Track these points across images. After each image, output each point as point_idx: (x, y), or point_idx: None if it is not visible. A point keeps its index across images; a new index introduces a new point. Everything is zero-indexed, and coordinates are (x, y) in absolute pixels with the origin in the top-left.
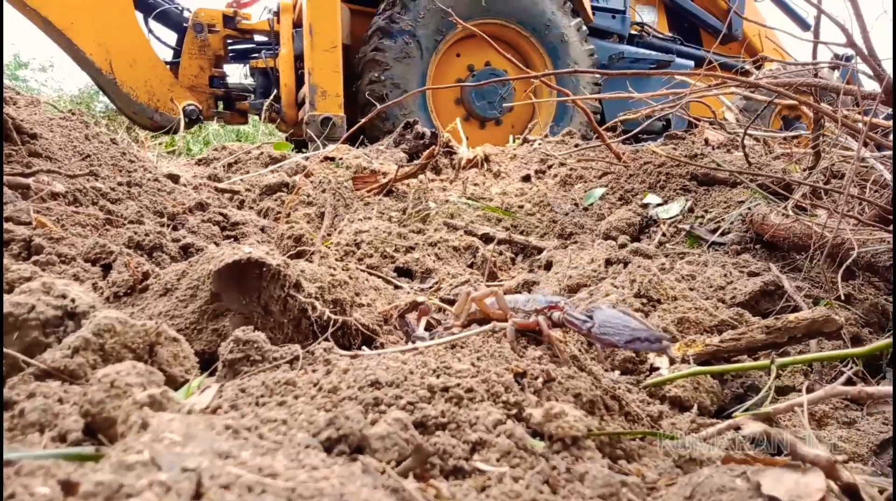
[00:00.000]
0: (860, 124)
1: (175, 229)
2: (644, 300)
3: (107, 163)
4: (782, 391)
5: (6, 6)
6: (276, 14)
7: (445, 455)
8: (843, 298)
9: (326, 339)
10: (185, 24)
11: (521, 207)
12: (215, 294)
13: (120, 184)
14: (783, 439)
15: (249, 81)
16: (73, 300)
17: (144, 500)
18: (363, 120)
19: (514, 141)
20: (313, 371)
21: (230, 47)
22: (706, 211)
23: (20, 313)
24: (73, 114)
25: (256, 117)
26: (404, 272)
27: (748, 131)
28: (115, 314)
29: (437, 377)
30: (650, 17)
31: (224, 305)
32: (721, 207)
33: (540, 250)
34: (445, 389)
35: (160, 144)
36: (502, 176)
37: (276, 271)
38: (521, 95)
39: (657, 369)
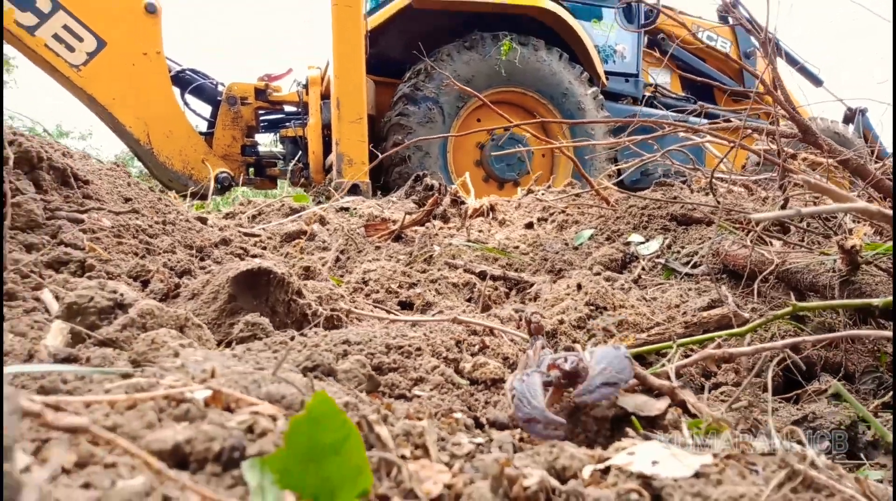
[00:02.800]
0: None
1: (202, 259)
2: (592, 308)
3: (146, 205)
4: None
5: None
6: (305, 87)
7: (393, 386)
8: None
9: (318, 324)
10: (218, 98)
11: (517, 247)
12: (232, 295)
13: (156, 222)
14: (641, 373)
15: (279, 148)
16: (122, 295)
17: (175, 378)
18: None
19: (521, 191)
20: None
21: (261, 118)
22: (682, 247)
23: (82, 302)
24: (118, 166)
25: (284, 182)
26: (406, 306)
27: (730, 177)
28: (154, 302)
29: (394, 339)
30: (663, 78)
31: (239, 305)
32: (696, 243)
33: (531, 285)
34: (399, 347)
35: (191, 205)
36: (506, 224)
37: (282, 278)
38: (538, 158)
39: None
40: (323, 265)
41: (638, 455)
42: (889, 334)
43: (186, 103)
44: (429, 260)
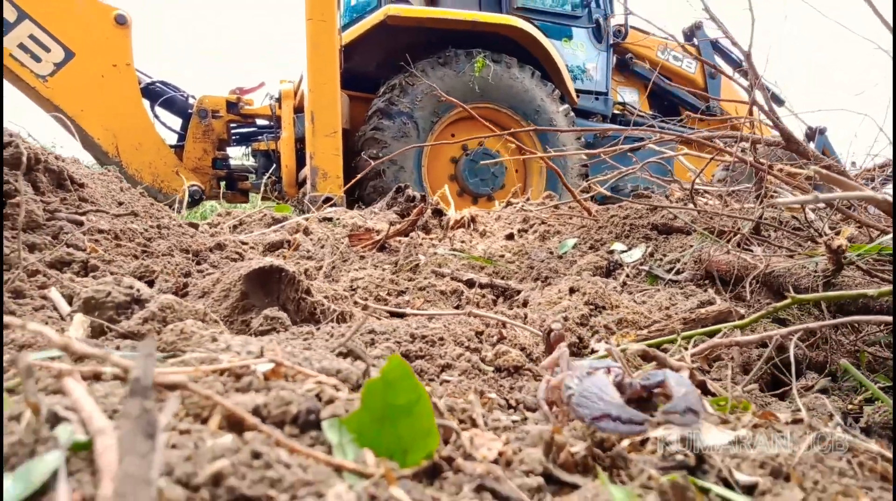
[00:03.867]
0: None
1: (198, 262)
2: (591, 307)
3: (140, 209)
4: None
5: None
6: (278, 100)
7: (422, 372)
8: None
9: (331, 320)
10: (189, 110)
11: (503, 256)
12: (244, 293)
13: (151, 226)
14: (657, 355)
15: (251, 162)
16: (138, 290)
17: (229, 359)
18: (360, 174)
19: (498, 204)
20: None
21: (233, 131)
22: (664, 255)
23: (100, 296)
24: (109, 171)
25: (256, 196)
26: (396, 314)
27: (703, 188)
28: (173, 297)
29: (417, 330)
30: (632, 97)
31: (251, 302)
32: (678, 251)
33: (518, 292)
34: (423, 336)
35: None
36: (487, 235)
37: (292, 276)
38: (512, 173)
39: (596, 351)
40: (318, 270)
41: (675, 428)
42: (888, 318)
43: (156, 116)
44: (415, 269)
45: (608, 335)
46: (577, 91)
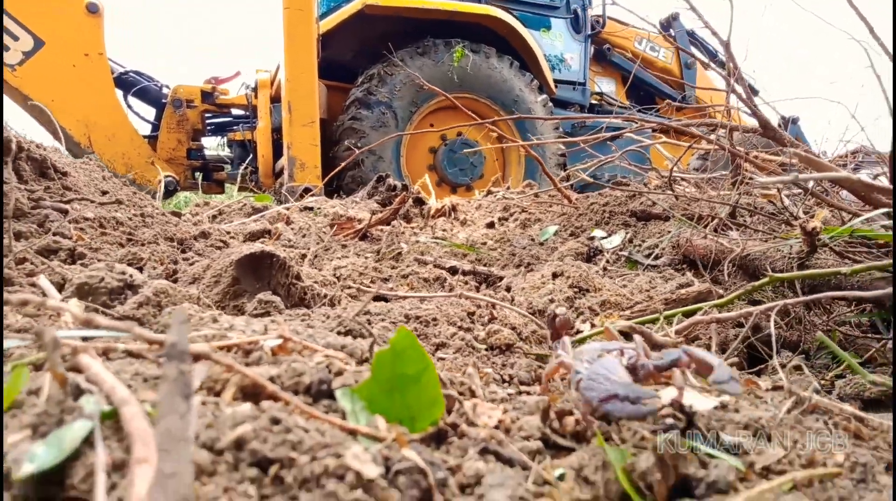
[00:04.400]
0: (757, 159)
1: (183, 250)
2: (575, 290)
3: (123, 198)
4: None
5: None
6: (254, 90)
7: (423, 336)
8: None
9: (323, 305)
10: (163, 100)
11: (484, 243)
12: (236, 278)
13: (136, 215)
14: (642, 330)
15: (227, 152)
16: (131, 276)
17: (237, 336)
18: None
19: (478, 194)
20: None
21: (208, 121)
22: (643, 240)
23: (93, 282)
24: (90, 159)
25: (232, 187)
26: (380, 300)
27: (680, 175)
28: (167, 282)
29: (411, 311)
30: (609, 87)
31: (242, 287)
32: (656, 236)
33: (501, 278)
34: (417, 317)
35: None
36: (468, 224)
37: (283, 261)
38: (490, 162)
39: (580, 331)
40: (302, 259)
41: (664, 394)
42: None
43: (130, 106)
44: (397, 257)
45: (592, 317)
46: (556, 81)
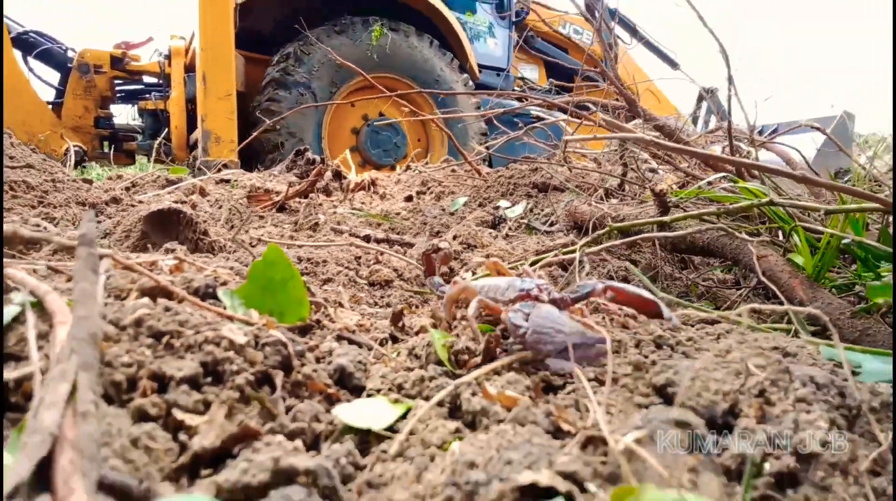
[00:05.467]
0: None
1: (97, 214)
2: (465, 246)
3: (34, 162)
4: None
5: None
6: (168, 57)
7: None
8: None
9: (227, 258)
10: (69, 65)
11: (398, 214)
12: (145, 233)
13: (46, 180)
14: (506, 269)
15: (137, 121)
16: (45, 228)
17: (140, 259)
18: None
19: (399, 169)
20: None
21: (118, 88)
22: (542, 209)
23: (8, 232)
24: None
25: (144, 159)
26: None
27: (585, 152)
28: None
29: (304, 254)
30: (532, 73)
31: (151, 241)
32: (553, 206)
33: (412, 245)
34: (309, 259)
35: None
36: (387, 197)
37: (191, 218)
38: (414, 142)
39: (464, 278)
40: (215, 223)
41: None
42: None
43: (31, 69)
44: (314, 228)
45: (477, 267)
46: (480, 66)
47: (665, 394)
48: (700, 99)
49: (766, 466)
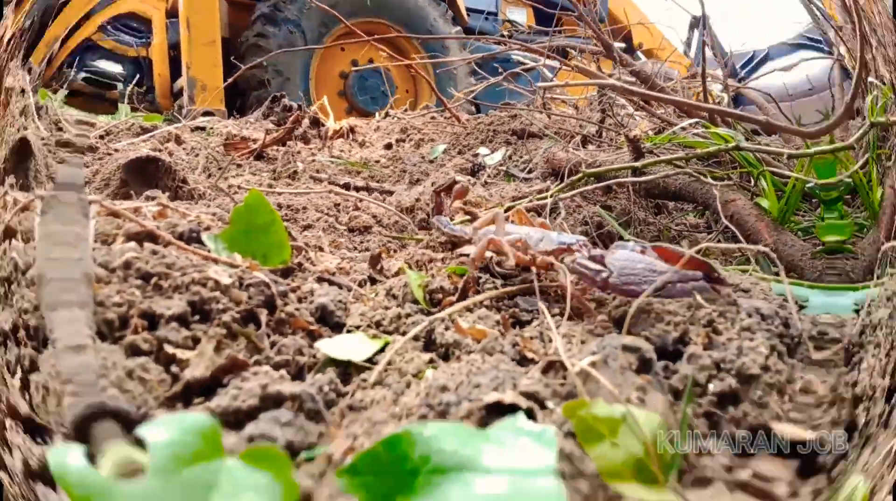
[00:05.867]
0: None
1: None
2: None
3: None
4: None
5: None
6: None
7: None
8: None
9: (208, 205)
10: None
11: (378, 162)
12: (124, 181)
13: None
14: (477, 213)
15: (119, 69)
16: None
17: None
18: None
19: (378, 116)
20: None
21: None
22: (521, 157)
23: None
24: None
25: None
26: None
27: (565, 98)
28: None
29: (284, 201)
30: (519, 16)
31: (130, 190)
32: (532, 153)
33: (391, 193)
34: (289, 205)
35: None
36: (366, 145)
37: (169, 166)
38: (402, 91)
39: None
40: (192, 171)
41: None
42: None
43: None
44: (293, 176)
45: (454, 213)
46: (468, 10)
47: (622, 326)
48: (692, 27)
49: (711, 386)
